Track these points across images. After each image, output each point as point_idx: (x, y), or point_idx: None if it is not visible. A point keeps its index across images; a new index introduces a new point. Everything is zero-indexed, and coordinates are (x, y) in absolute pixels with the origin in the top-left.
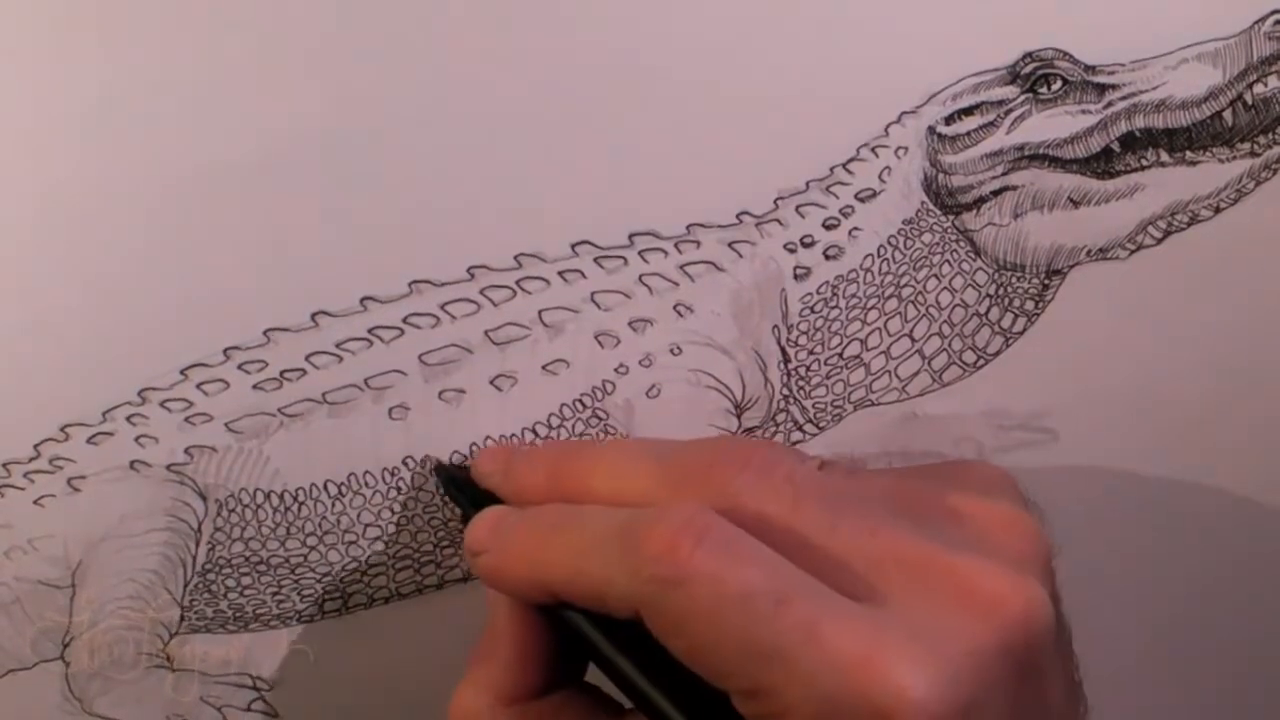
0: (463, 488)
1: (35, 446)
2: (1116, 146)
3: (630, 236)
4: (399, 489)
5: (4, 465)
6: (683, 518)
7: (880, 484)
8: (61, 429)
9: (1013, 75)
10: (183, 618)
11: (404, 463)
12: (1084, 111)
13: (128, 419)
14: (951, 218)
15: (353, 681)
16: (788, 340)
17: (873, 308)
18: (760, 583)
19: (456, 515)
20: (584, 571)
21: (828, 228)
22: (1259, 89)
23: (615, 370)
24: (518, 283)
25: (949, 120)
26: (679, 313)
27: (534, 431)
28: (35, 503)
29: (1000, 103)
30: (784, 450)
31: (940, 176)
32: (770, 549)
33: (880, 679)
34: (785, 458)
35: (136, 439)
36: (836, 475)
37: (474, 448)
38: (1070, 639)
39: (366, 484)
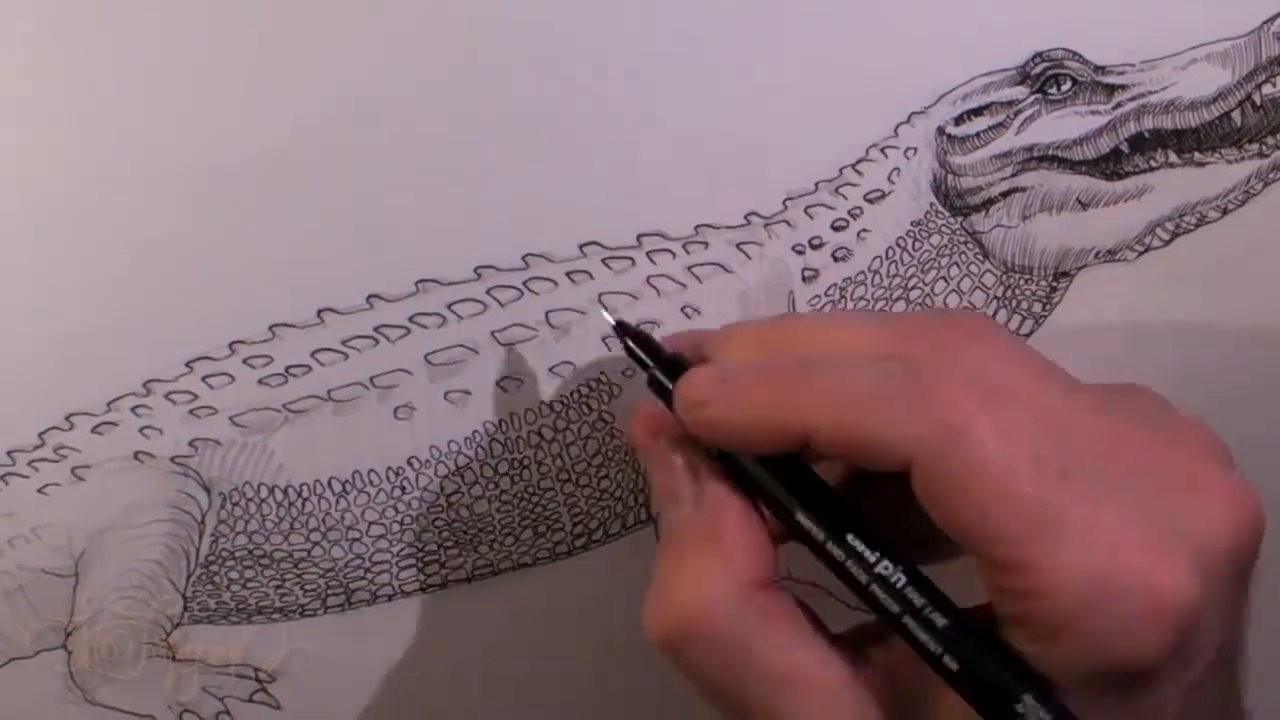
0: (650, 350)
1: (40, 435)
2: (1125, 147)
3: (638, 237)
4: (403, 487)
5: (9, 453)
6: (972, 372)
7: (1093, 387)
8: (66, 418)
9: (1022, 75)
10: (185, 609)
11: (409, 462)
12: (1093, 112)
13: (133, 410)
14: (960, 219)
15: (355, 676)
16: None
17: (881, 310)
18: (1050, 449)
19: (460, 515)
20: (853, 413)
21: (836, 229)
22: (1268, 89)
23: (622, 373)
24: (525, 283)
25: (958, 121)
26: (686, 314)
27: (539, 434)
28: (39, 491)
29: (1010, 103)
30: (1007, 330)
31: (949, 178)
32: (1045, 418)
33: (1157, 566)
34: (1012, 337)
35: (141, 430)
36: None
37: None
38: None
39: (371, 482)
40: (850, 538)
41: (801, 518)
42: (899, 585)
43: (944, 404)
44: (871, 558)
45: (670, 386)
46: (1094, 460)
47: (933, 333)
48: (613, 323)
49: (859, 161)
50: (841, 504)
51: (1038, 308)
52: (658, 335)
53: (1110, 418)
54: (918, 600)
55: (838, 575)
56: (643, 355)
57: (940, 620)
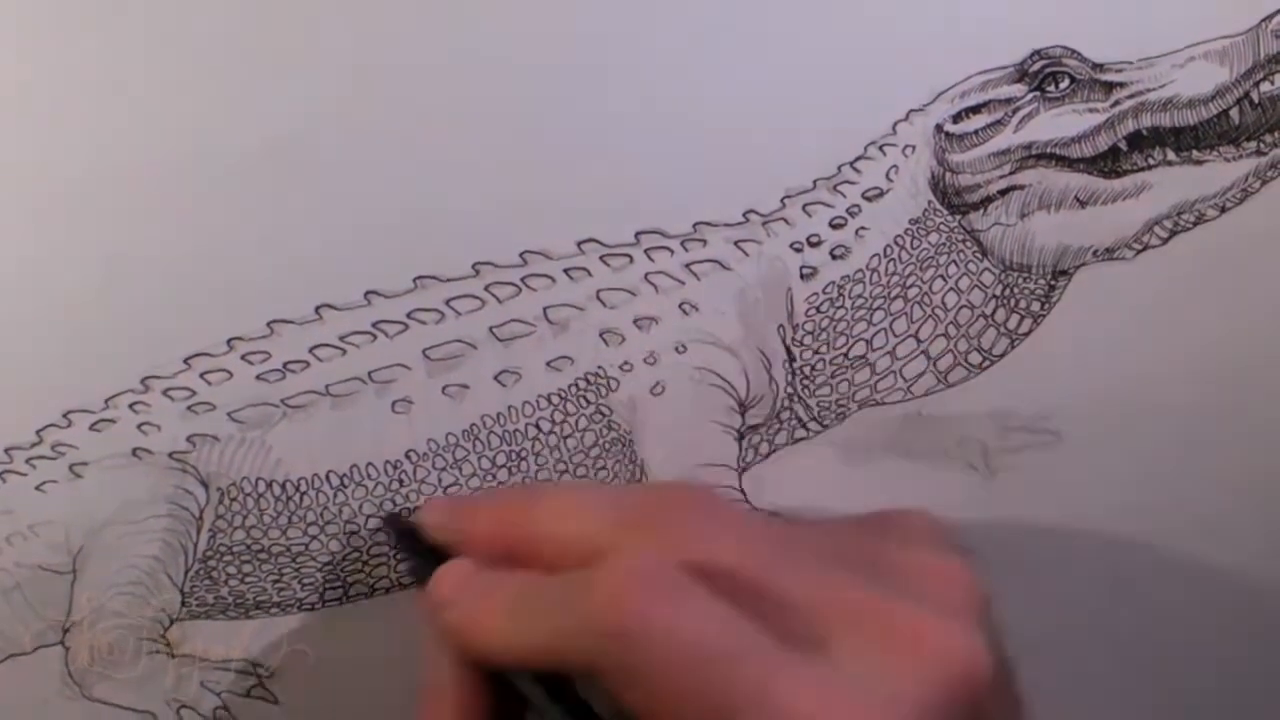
0: (414, 540)
1: (38, 432)
2: (1123, 145)
3: (637, 235)
4: (401, 481)
5: (6, 450)
6: (633, 566)
7: (823, 534)
8: (64, 415)
9: (1021, 73)
10: (183, 604)
11: (406, 456)
12: (1091, 110)
13: (130, 406)
14: (958, 217)
15: (352, 670)
16: (793, 339)
17: (878, 308)
18: (713, 639)
19: None
20: (542, 632)
21: (834, 227)
22: (1266, 87)
23: (620, 367)
24: (523, 279)
25: (957, 118)
26: (684, 311)
27: (537, 427)
28: (37, 488)
29: (1008, 101)
30: (729, 499)
31: (948, 175)
32: (722, 600)
33: None
34: (732, 504)
35: (139, 426)
36: (782, 525)
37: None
38: (1015, 679)
39: (369, 475)
40: None
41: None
42: None
43: (604, 605)
44: None
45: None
46: (790, 625)
47: (654, 510)
48: (384, 517)
49: (857, 159)
50: (564, 695)
51: (1036, 306)
52: (654, 333)
53: (822, 576)
54: None
55: None
56: (410, 548)
57: None
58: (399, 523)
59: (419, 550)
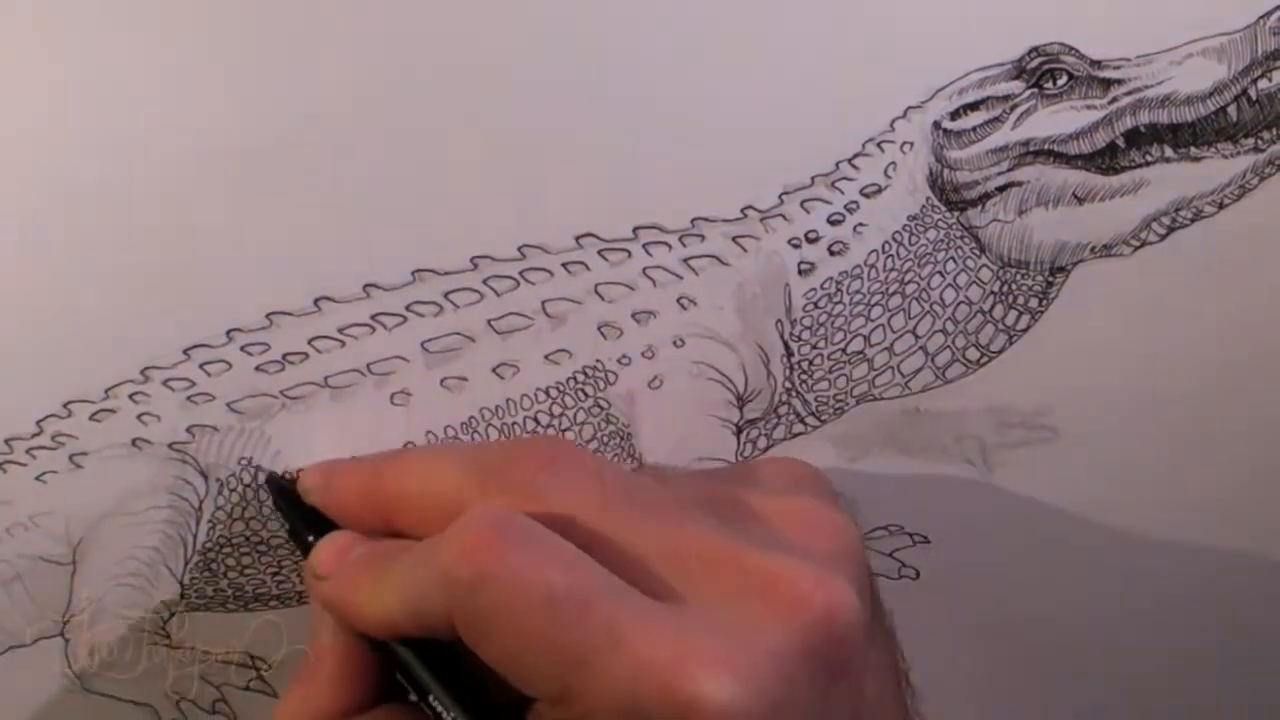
0: (293, 502)
1: (38, 423)
2: (1121, 142)
3: (634, 229)
4: None
5: (6, 441)
6: (481, 517)
7: (688, 485)
8: (64, 405)
9: (1018, 70)
10: (183, 596)
11: (404, 447)
12: (1089, 107)
13: (130, 397)
14: (956, 214)
15: None
16: (791, 335)
17: (876, 304)
18: (563, 584)
19: None
20: (405, 595)
21: (832, 223)
22: (1263, 84)
23: (618, 361)
24: (521, 273)
25: (954, 115)
26: (682, 306)
27: (535, 420)
28: (37, 479)
29: (1006, 98)
30: (590, 451)
31: (945, 172)
32: (574, 547)
33: (683, 683)
34: (592, 456)
35: (139, 417)
36: (644, 476)
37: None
38: (893, 630)
39: None
40: (431, 697)
41: (398, 674)
42: None
43: (453, 559)
44: (447, 716)
45: (310, 542)
46: (646, 574)
47: (508, 464)
48: (265, 478)
49: (855, 156)
50: (435, 660)
51: (1034, 302)
52: (653, 327)
53: (680, 525)
54: None
55: None
56: (289, 510)
57: None
58: (280, 485)
59: (299, 513)
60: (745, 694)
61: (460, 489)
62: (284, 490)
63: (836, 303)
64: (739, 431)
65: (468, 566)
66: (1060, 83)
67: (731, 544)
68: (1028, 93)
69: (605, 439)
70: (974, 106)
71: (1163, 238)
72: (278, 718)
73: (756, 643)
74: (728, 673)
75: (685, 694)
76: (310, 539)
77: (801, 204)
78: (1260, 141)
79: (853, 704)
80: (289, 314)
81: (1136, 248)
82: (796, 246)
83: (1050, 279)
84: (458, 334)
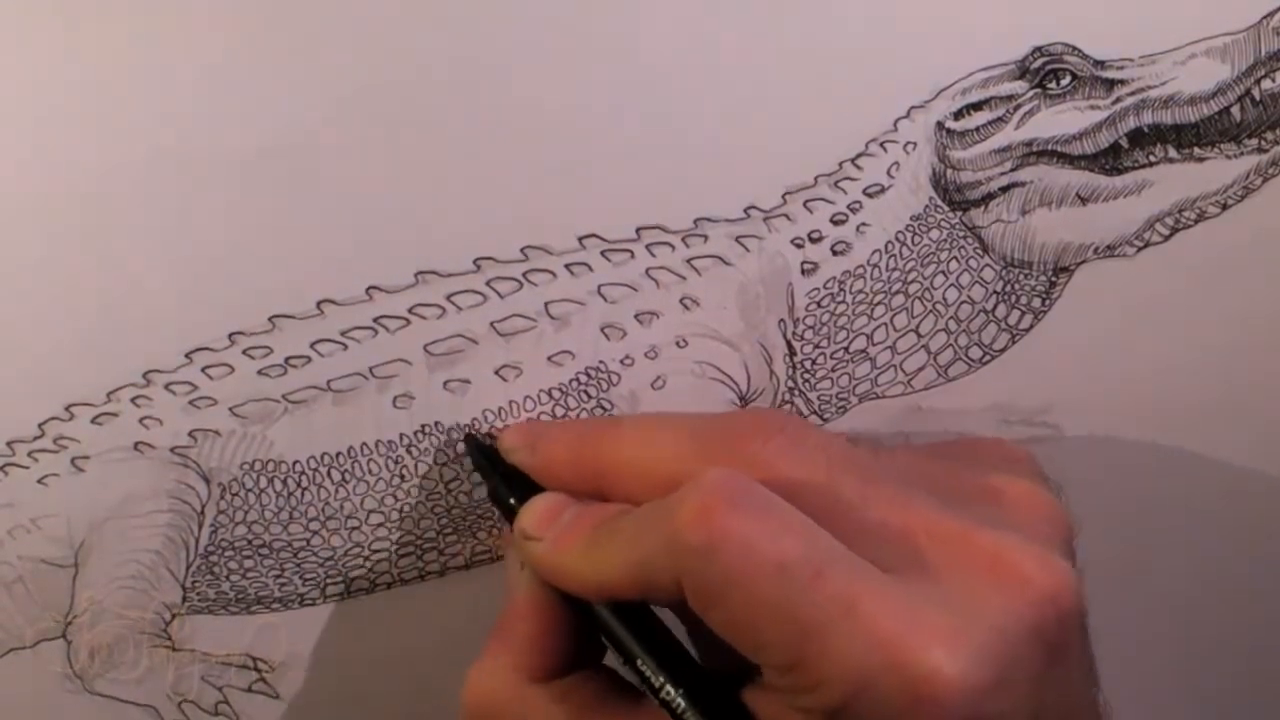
0: (493, 461)
1: (40, 425)
2: (1125, 142)
3: (637, 230)
4: (403, 476)
5: (9, 444)
6: (715, 482)
7: (908, 459)
8: (66, 408)
9: (1022, 70)
10: (185, 599)
11: (408, 450)
12: (1092, 107)
13: (132, 400)
14: (959, 214)
15: (353, 665)
16: (794, 334)
17: (879, 303)
18: (797, 552)
19: (459, 503)
20: (626, 559)
21: (835, 223)
22: (1267, 84)
23: (621, 362)
24: (524, 275)
25: (957, 116)
26: (685, 306)
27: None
28: (39, 482)
29: (1009, 98)
30: (811, 424)
31: (949, 172)
32: (805, 517)
33: (916, 655)
34: (816, 429)
35: (141, 420)
36: (865, 449)
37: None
38: (1088, 620)
39: (370, 471)
40: (639, 662)
41: (603, 637)
42: (679, 709)
43: (687, 523)
44: (656, 681)
45: (513, 504)
46: (874, 547)
47: (735, 434)
48: (464, 437)
49: (858, 156)
50: (640, 624)
51: (1037, 302)
52: (655, 328)
53: (908, 501)
54: None
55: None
56: (489, 470)
57: None
58: (480, 444)
59: (498, 472)
60: (974, 668)
61: (682, 457)
62: (484, 449)
63: (839, 302)
64: None
65: (701, 531)
66: (1064, 83)
67: (957, 521)
68: (1031, 93)
69: None
70: (977, 106)
71: (1166, 238)
72: (475, 679)
73: (984, 619)
74: (958, 646)
75: (917, 666)
76: (511, 500)
77: (804, 204)
78: (1264, 142)
79: (1064, 689)
80: (291, 317)
81: (1140, 248)
82: (799, 246)
83: (1053, 279)
84: (460, 336)
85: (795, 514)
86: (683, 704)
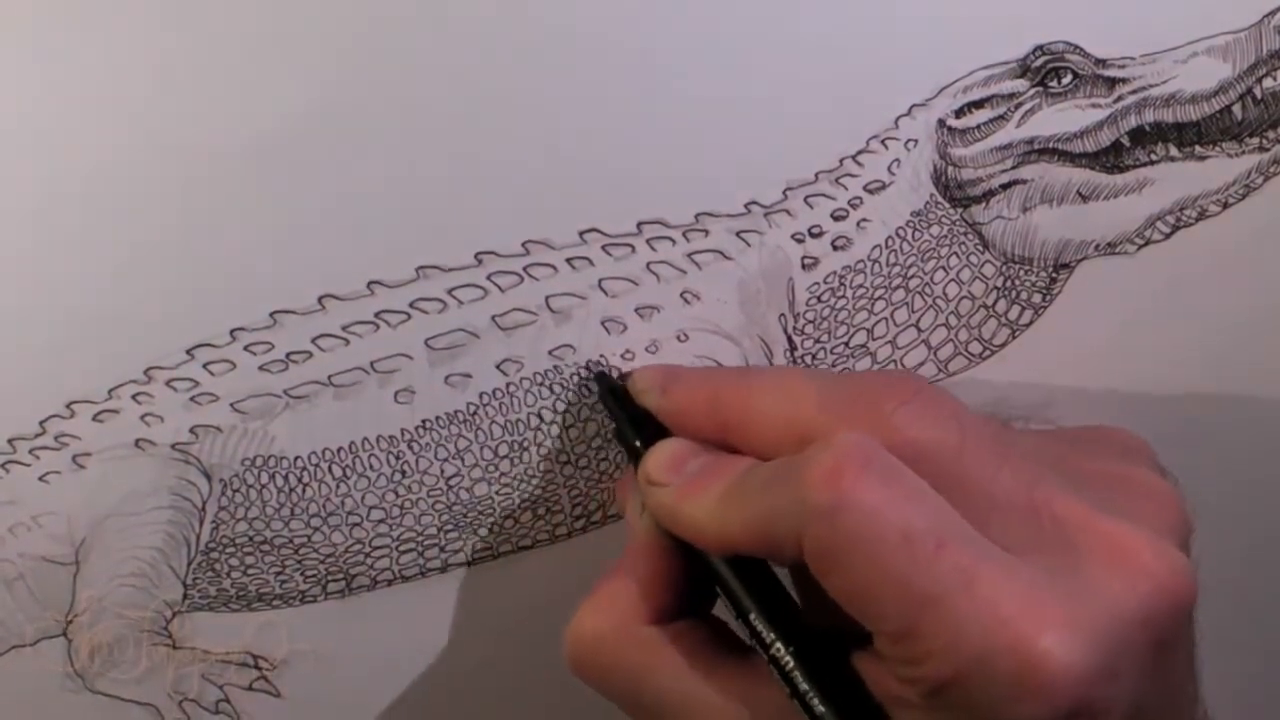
0: (621, 401)
1: (41, 423)
2: (1126, 141)
3: (639, 224)
4: (404, 471)
5: (10, 441)
6: (847, 446)
7: (1037, 439)
8: (67, 406)
9: (1023, 68)
10: (186, 596)
11: (409, 446)
12: (1094, 105)
13: (133, 397)
14: (960, 210)
15: (355, 663)
16: (794, 329)
17: (880, 298)
18: (922, 523)
19: (461, 499)
20: (752, 514)
21: (836, 219)
22: (1268, 83)
23: (622, 356)
24: (525, 269)
25: (959, 113)
26: (686, 300)
27: (539, 416)
28: (40, 479)
29: (1010, 96)
30: (946, 390)
31: (949, 169)
32: (931, 489)
33: (1029, 639)
34: (951, 397)
35: (142, 417)
36: (997, 422)
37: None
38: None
39: (371, 466)
40: (751, 616)
41: (718, 589)
42: (787, 667)
43: (815, 483)
44: (768, 638)
45: (638, 446)
46: (998, 523)
47: (869, 394)
48: (595, 374)
49: (859, 153)
50: (756, 579)
51: (1037, 298)
52: (656, 322)
53: (1035, 480)
54: (801, 685)
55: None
56: (616, 409)
57: (819, 708)
58: (608, 382)
59: (626, 412)
60: (1088, 654)
61: (816, 414)
62: (614, 389)
63: (840, 297)
64: None
65: (829, 492)
66: (1065, 81)
67: (1081, 505)
68: (1032, 91)
69: (610, 435)
70: (979, 104)
71: (1167, 236)
72: (582, 620)
73: (1100, 605)
74: (1074, 631)
75: (1030, 649)
76: (637, 443)
77: (805, 199)
78: (1265, 140)
79: (1171, 680)
80: (293, 312)
81: (1141, 246)
82: (800, 241)
83: (1054, 275)
84: (462, 330)
85: (922, 484)
86: (791, 663)
